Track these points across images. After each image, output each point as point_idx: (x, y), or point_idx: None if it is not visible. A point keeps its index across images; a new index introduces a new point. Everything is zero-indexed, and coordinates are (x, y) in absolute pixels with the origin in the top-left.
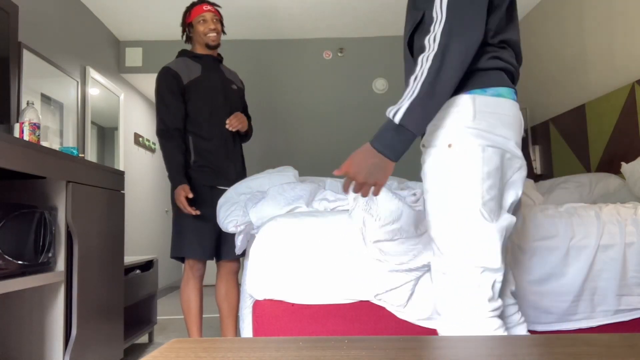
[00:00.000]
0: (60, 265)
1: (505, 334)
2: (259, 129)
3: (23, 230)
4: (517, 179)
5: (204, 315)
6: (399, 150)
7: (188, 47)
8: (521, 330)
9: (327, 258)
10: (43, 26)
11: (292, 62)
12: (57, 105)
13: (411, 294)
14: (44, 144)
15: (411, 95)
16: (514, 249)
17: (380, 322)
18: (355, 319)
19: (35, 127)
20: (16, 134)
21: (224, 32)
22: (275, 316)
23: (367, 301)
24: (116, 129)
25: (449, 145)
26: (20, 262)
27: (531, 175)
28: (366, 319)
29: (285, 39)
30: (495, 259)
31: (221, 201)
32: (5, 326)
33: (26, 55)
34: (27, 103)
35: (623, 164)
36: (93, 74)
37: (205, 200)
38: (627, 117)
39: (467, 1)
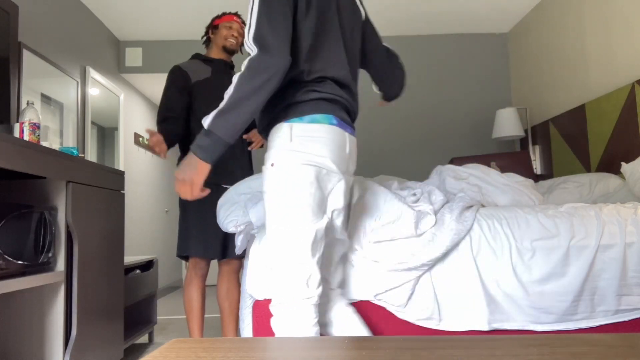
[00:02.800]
0: (60, 265)
1: (316, 319)
2: None
3: (23, 230)
4: (338, 190)
5: (212, 316)
6: (210, 151)
7: (200, 50)
8: (339, 308)
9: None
10: (43, 26)
11: None
12: (57, 105)
13: (411, 294)
14: (44, 144)
15: (221, 106)
16: (513, 249)
17: (380, 322)
18: None
19: (35, 127)
20: (16, 134)
21: (241, 52)
22: None
23: (367, 301)
24: (116, 129)
25: (272, 164)
26: (20, 262)
27: (531, 175)
28: (366, 319)
29: None
30: (307, 254)
31: (221, 201)
32: (5, 326)
33: (26, 55)
34: (27, 103)
35: (623, 164)
36: (93, 74)
37: (211, 199)
38: (627, 117)
39: (268, 38)
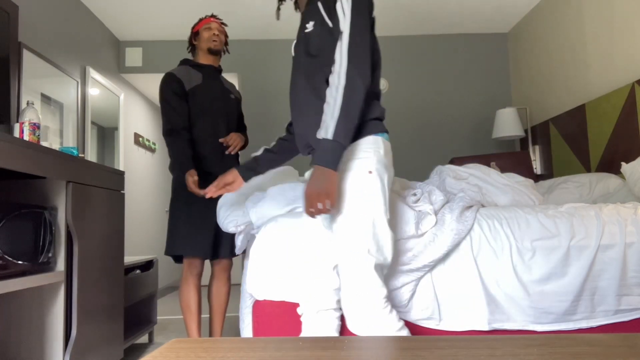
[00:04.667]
0: (60, 265)
1: (394, 314)
2: (259, 130)
3: (23, 230)
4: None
5: (203, 316)
6: (336, 160)
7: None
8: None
9: (328, 258)
10: (43, 26)
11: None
12: (57, 105)
13: (412, 294)
14: (44, 144)
15: (331, 118)
16: (514, 249)
17: None
18: None
19: (35, 127)
20: (16, 134)
21: (226, 51)
22: (275, 316)
23: None
24: (116, 129)
25: (370, 172)
26: (20, 262)
27: (531, 175)
28: None
29: (285, 39)
30: (390, 254)
31: (221, 201)
32: (5, 326)
33: (26, 55)
34: (27, 103)
35: (623, 164)
36: (93, 74)
37: (198, 200)
38: (627, 117)
39: (361, 50)
